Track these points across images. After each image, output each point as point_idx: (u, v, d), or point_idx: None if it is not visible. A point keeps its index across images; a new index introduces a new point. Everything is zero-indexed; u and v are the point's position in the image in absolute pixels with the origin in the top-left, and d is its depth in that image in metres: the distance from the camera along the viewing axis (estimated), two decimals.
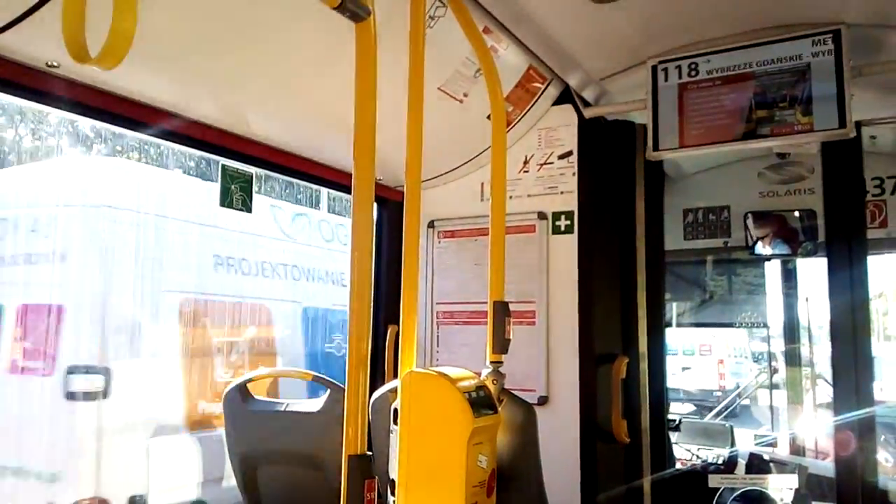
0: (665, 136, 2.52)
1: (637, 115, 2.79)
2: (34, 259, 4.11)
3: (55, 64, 1.76)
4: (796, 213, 3.60)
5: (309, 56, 2.06)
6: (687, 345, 12.02)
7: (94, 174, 4.38)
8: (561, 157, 2.75)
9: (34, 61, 1.75)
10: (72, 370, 3.93)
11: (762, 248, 3.66)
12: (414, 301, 1.60)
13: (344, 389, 1.29)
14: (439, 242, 3.04)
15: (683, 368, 11.77)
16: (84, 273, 4.03)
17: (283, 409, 2.28)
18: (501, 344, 1.86)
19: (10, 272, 4.20)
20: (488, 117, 2.04)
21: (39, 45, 1.67)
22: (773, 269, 4.35)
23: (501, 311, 1.87)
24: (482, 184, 2.92)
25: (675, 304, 4.53)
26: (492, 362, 1.86)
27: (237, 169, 2.43)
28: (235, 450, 2.34)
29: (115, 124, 2.11)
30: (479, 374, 1.78)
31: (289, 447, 2.22)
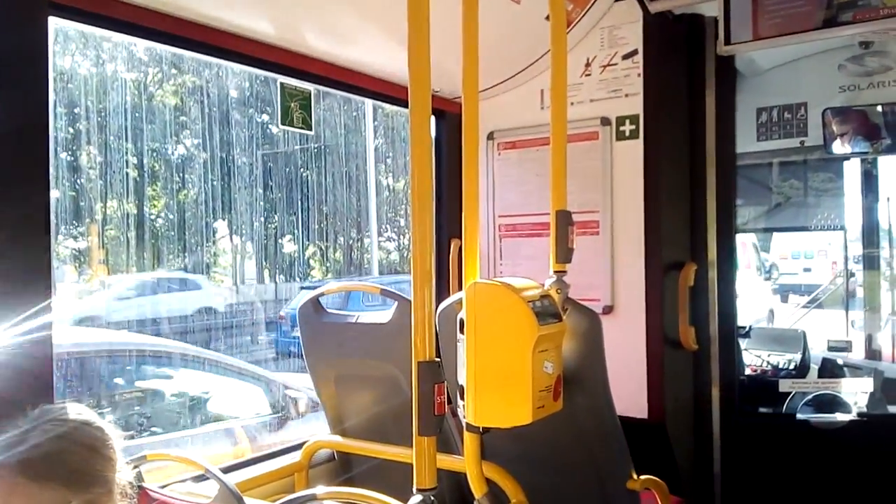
0: (737, 28, 2.37)
1: (706, 6, 2.63)
2: None
3: None
4: (878, 108, 3.37)
5: None
6: (807, 248, 12.53)
7: None
8: (625, 57, 2.63)
9: None
10: None
11: (840, 147, 3.46)
12: (475, 214, 1.59)
13: (410, 302, 1.32)
14: (499, 154, 3.00)
15: (805, 270, 12.39)
16: None
17: (354, 321, 2.35)
18: (565, 253, 1.85)
19: None
20: (547, 18, 1.96)
21: None
22: (852, 169, 4.13)
23: (564, 220, 1.85)
24: (542, 91, 2.84)
25: (746, 209, 4.37)
26: (555, 272, 1.86)
27: (296, 87, 2.43)
28: (312, 360, 2.45)
29: (175, 46, 2.13)
30: (542, 284, 1.79)
31: (362, 356, 2.30)
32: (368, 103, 9.19)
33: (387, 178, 13.20)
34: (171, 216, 10.26)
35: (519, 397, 1.53)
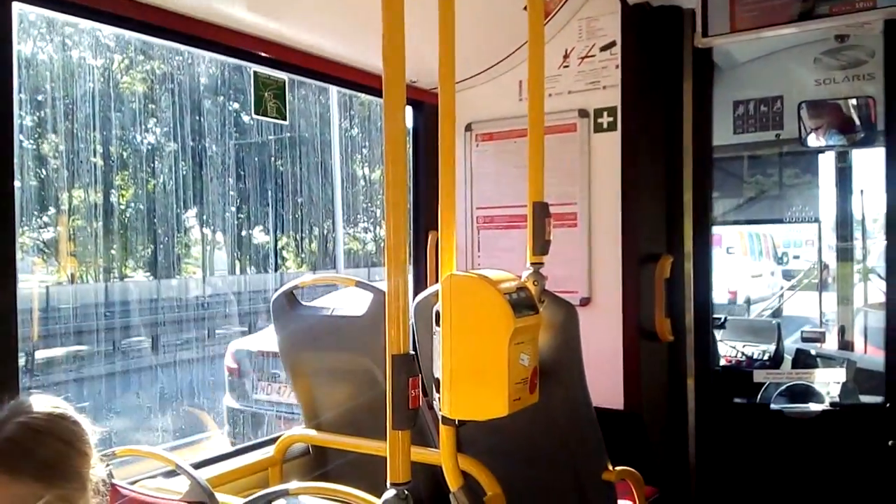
0: (715, 20, 2.37)
1: None
2: None
3: None
4: (853, 101, 3.40)
5: None
6: (797, 238, 12.96)
7: None
8: (603, 48, 2.63)
9: None
10: None
11: (815, 140, 3.49)
12: (452, 206, 1.57)
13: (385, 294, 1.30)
14: (477, 146, 2.98)
15: (795, 257, 13.02)
16: None
17: (328, 313, 2.33)
18: (541, 245, 1.84)
19: None
20: (525, 8, 1.94)
21: None
22: (826, 162, 4.17)
23: (541, 212, 1.84)
24: (520, 82, 2.82)
25: (722, 202, 4.41)
26: (532, 264, 1.85)
27: (269, 76, 2.39)
28: (286, 353, 2.42)
29: (143, 33, 2.07)
30: (519, 277, 1.78)
31: (336, 349, 2.28)
32: (333, 90, 9.09)
33: (363, 167, 13.11)
34: (140, 206, 10.11)
35: (495, 390, 1.52)
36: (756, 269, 11.63)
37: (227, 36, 2.17)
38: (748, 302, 8.93)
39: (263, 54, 2.32)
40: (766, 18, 2.30)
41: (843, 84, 3.44)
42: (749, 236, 11.80)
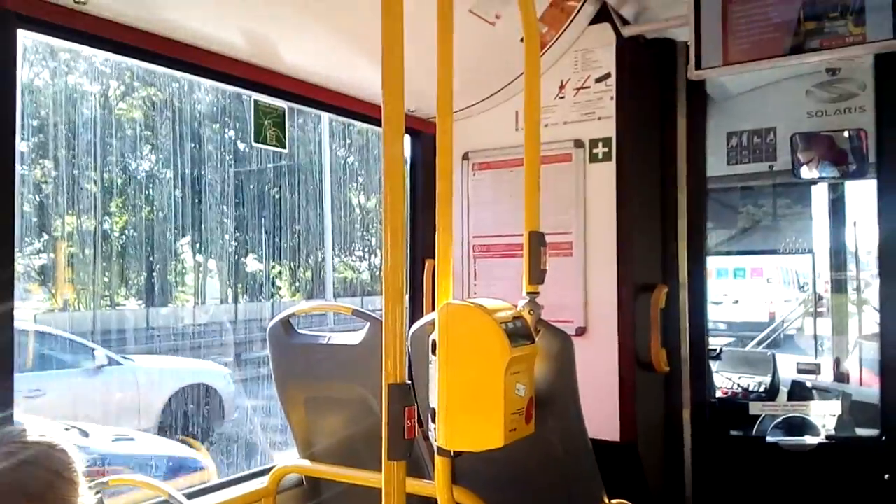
0: (708, 53, 2.40)
1: (678, 32, 2.67)
2: None
3: (83, 0, 1.75)
4: (845, 134, 3.44)
5: None
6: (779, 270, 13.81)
7: None
8: (598, 80, 2.66)
9: None
10: None
11: (808, 172, 3.53)
12: (449, 234, 1.58)
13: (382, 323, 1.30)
14: (474, 175, 3.00)
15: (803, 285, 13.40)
16: None
17: (325, 341, 2.32)
18: (537, 274, 1.84)
19: None
20: (521, 40, 1.97)
21: None
22: (819, 194, 4.21)
23: (537, 241, 1.84)
24: (517, 112, 2.85)
25: (717, 232, 4.43)
26: (528, 293, 1.85)
27: (269, 104, 2.41)
28: (281, 382, 2.41)
29: (146, 61, 2.09)
30: (515, 306, 1.78)
31: (332, 378, 2.27)
32: (325, 117, 9.16)
33: (358, 195, 13.12)
34: (134, 233, 10.10)
35: (491, 420, 1.51)
36: (787, 296, 12.96)
37: (228, 64, 2.20)
38: (778, 320, 9.93)
39: (264, 83, 2.34)
40: (758, 52, 2.34)
41: (834, 116, 3.49)
42: (782, 269, 13.36)
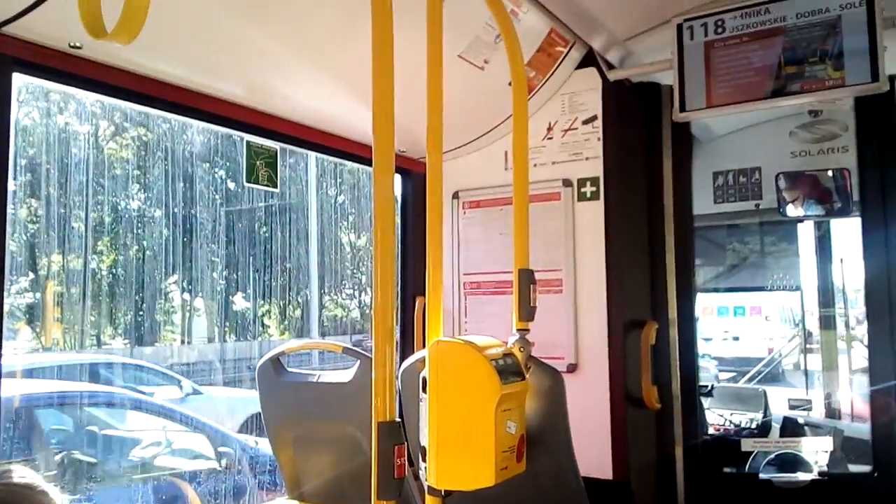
0: (692, 96, 2.47)
1: (662, 76, 2.74)
2: None
3: (78, 45, 1.78)
4: (829, 173, 3.51)
5: (329, 28, 2.05)
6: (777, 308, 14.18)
7: None
8: (585, 122, 2.72)
9: (57, 42, 1.76)
10: None
11: (794, 210, 3.58)
12: (439, 272, 1.60)
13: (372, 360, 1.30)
14: (464, 213, 3.03)
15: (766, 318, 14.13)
16: None
17: (315, 380, 2.31)
18: (527, 311, 1.86)
19: None
20: (510, 84, 2.02)
21: (61, 25, 1.68)
22: (806, 231, 4.27)
23: (526, 278, 1.86)
24: (506, 152, 2.90)
25: (705, 269, 4.47)
26: (518, 330, 1.86)
27: (261, 145, 2.45)
28: (270, 420, 2.39)
29: (140, 104, 2.13)
30: (506, 343, 1.79)
31: (322, 417, 2.25)
32: (311, 157, 9.26)
33: (348, 234, 13.12)
34: (121, 273, 10.07)
35: (482, 458, 1.51)
36: (785, 332, 13.12)
37: (222, 107, 2.23)
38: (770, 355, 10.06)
39: (256, 125, 2.37)
40: (740, 95, 2.40)
41: (818, 156, 3.56)
42: (779, 307, 13.71)
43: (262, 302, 12.20)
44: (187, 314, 11.69)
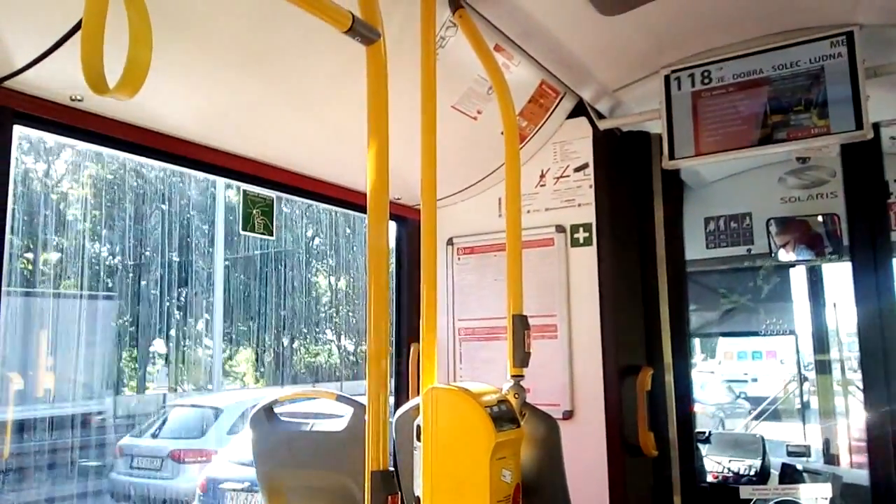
0: (680, 144, 2.52)
1: (651, 125, 2.80)
2: None
3: (79, 97, 1.81)
4: (819, 218, 3.56)
5: (325, 80, 2.10)
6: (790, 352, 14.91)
7: None
8: (577, 169, 2.76)
9: (57, 96, 1.80)
10: None
11: (785, 255, 3.62)
12: (433, 318, 1.61)
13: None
14: (458, 259, 3.05)
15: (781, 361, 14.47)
16: None
17: (308, 428, 2.29)
18: (522, 358, 1.86)
19: None
20: (502, 133, 2.06)
21: (62, 79, 1.72)
22: (798, 276, 4.29)
23: (520, 324, 1.87)
24: (499, 199, 2.93)
25: (698, 314, 4.48)
26: (513, 376, 1.86)
27: (258, 194, 2.47)
28: (262, 470, 2.36)
29: (139, 155, 2.15)
30: (500, 389, 1.78)
31: (314, 466, 2.22)
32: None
33: (328, 277, 13.01)
34: None
35: None
36: (795, 374, 13.81)
37: (220, 158, 2.26)
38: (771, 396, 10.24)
39: (252, 174, 2.41)
40: (728, 143, 2.45)
41: (807, 202, 3.61)
42: (794, 351, 14.50)
43: (228, 347, 12.19)
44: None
